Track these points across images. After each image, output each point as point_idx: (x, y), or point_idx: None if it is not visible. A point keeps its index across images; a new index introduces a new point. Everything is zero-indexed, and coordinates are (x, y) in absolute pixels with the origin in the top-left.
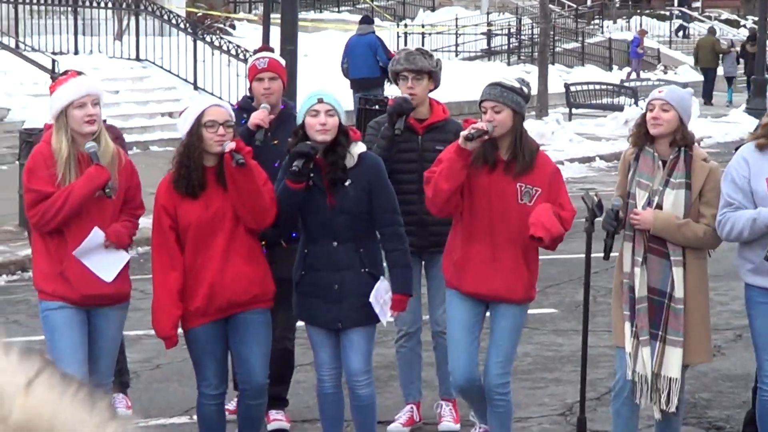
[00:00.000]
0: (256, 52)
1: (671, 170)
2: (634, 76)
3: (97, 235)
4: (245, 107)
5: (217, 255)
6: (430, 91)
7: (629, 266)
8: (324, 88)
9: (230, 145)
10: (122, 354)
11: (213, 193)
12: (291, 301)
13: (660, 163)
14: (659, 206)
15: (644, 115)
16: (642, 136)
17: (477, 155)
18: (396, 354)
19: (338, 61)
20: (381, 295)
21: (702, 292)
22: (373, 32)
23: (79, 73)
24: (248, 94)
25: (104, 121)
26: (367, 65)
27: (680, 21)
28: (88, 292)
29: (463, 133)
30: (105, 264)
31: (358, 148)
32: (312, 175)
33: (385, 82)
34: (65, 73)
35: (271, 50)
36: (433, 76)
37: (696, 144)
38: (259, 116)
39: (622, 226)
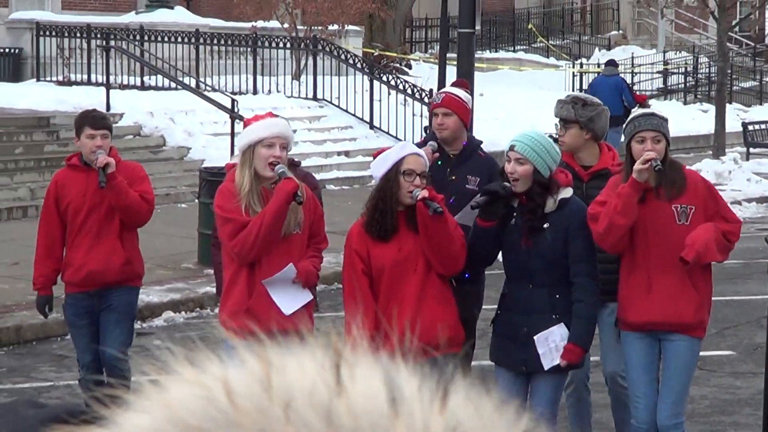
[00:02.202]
0: (452, 85)
1: None
2: None
3: (290, 270)
4: (429, 140)
5: (411, 297)
6: (590, 140)
7: None
8: (530, 133)
9: (423, 193)
10: None
11: (405, 235)
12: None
13: None
14: None
15: None
16: None
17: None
18: (566, 401)
19: (513, 100)
20: (554, 338)
21: None
22: (618, 74)
23: (275, 116)
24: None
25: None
26: (611, 104)
27: None
28: (275, 329)
29: (639, 168)
30: (288, 297)
31: (564, 192)
32: (515, 215)
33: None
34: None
35: (462, 84)
36: (583, 126)
37: None
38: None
39: None
